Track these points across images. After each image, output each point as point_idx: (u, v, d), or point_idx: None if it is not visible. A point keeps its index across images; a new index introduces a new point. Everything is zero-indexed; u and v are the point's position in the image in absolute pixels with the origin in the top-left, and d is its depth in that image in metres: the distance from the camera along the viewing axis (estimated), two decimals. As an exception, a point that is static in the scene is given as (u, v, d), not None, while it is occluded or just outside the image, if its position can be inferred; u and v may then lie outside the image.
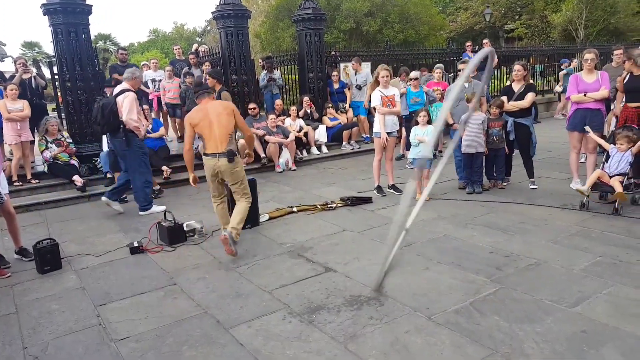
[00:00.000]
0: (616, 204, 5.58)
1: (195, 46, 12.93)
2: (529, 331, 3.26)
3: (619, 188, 5.51)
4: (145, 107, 9.43)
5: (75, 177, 8.12)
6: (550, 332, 3.24)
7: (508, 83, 7.50)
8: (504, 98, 6.98)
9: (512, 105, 6.80)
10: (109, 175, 8.34)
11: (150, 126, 9.14)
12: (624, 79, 6.19)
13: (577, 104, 6.45)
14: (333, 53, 13.69)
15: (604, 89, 6.26)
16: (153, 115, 10.22)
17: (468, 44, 14.33)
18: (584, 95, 6.32)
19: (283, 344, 3.28)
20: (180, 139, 11.46)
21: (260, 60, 12.89)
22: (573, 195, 6.36)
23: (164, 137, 9.64)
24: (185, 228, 5.56)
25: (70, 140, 8.60)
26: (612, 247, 4.63)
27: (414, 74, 8.75)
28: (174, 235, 5.44)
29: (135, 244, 5.32)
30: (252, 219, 5.89)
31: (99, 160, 8.68)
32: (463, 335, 3.26)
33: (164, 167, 8.71)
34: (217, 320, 3.67)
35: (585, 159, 6.92)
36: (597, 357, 2.94)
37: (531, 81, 7.26)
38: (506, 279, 4.08)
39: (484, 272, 4.23)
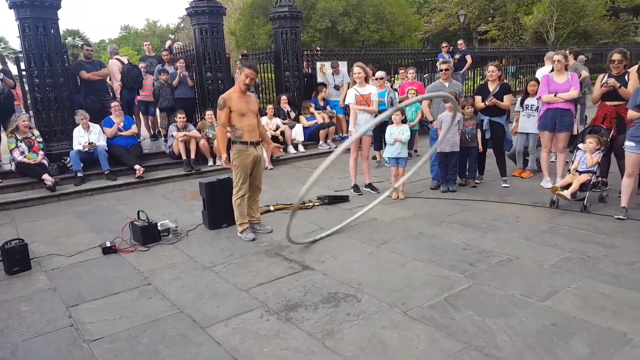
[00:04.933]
0: (584, 201, 5.73)
1: (168, 43, 12.72)
2: (501, 325, 3.33)
3: (575, 184, 5.72)
4: (116, 104, 9.25)
5: (45, 176, 7.92)
6: (521, 325, 3.31)
7: (482, 82, 7.62)
8: (478, 97, 7.11)
9: (491, 103, 6.94)
10: (79, 174, 8.19)
11: (122, 124, 9.01)
12: (602, 79, 6.28)
13: (548, 104, 6.58)
14: (318, 49, 13.71)
15: (573, 90, 6.42)
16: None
17: (444, 44, 14.50)
18: (555, 95, 6.46)
19: (261, 342, 3.28)
20: (154, 137, 11.33)
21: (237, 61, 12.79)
22: (544, 193, 6.53)
23: (135, 135, 9.50)
24: (159, 227, 5.49)
25: (41, 140, 8.39)
26: (581, 243, 4.76)
27: (379, 74, 8.81)
28: (148, 234, 5.36)
29: (108, 244, 5.22)
30: (228, 219, 5.85)
31: (68, 159, 8.49)
32: (438, 329, 3.31)
33: (137, 166, 8.60)
34: (193, 319, 3.64)
35: (556, 158, 7.06)
36: (566, 348, 3.03)
37: (505, 81, 7.39)
38: (479, 275, 4.16)
39: (458, 268, 4.29)
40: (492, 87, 7.08)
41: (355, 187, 7.18)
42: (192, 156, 9.11)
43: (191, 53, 10.96)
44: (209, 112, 9.47)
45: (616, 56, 6.04)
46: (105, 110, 9.47)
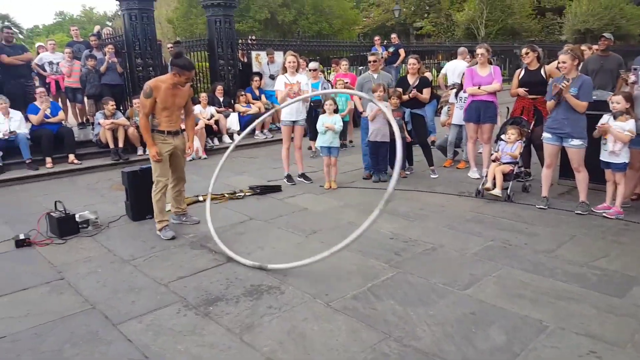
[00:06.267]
0: (508, 190, 5.91)
1: (97, 27, 12.16)
2: (422, 314, 3.35)
3: (498, 175, 5.94)
4: (41, 89, 8.74)
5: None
6: (441, 314, 3.35)
7: (402, 75, 7.73)
8: (399, 90, 7.20)
9: (413, 96, 7.06)
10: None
11: (49, 110, 8.51)
12: (519, 74, 6.54)
13: (472, 96, 6.77)
14: (251, 39, 13.49)
15: (496, 83, 6.64)
16: (51, 99, 9.49)
17: (376, 38, 14.69)
18: (478, 88, 6.65)
19: (175, 339, 3.14)
20: (82, 125, 10.79)
21: (169, 46, 12.39)
22: (470, 183, 6.71)
23: (62, 121, 9.01)
24: (77, 219, 5.19)
25: None
26: (503, 232, 4.89)
27: (312, 64, 8.79)
28: (65, 226, 5.06)
29: (22, 237, 4.90)
30: (152, 209, 5.62)
31: None
32: (359, 320, 3.29)
33: (72, 157, 8.30)
34: (105, 316, 3.45)
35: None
36: (484, 337, 3.07)
37: (427, 74, 7.53)
38: (403, 264, 4.19)
39: (384, 257, 4.31)
40: (412, 79, 7.24)
41: (288, 177, 7.11)
42: (120, 145, 8.74)
43: (120, 39, 10.51)
44: (138, 100, 9.07)
45: (524, 50, 6.50)
46: (28, 96, 8.92)
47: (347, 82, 9.42)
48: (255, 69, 12.10)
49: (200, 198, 6.31)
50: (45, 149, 8.25)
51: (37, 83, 9.99)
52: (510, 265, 4.09)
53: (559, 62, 5.34)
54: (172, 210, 5.43)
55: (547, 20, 32.01)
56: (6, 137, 7.93)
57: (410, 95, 7.07)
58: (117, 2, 10.12)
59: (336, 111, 6.85)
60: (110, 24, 44.63)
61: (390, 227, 5.08)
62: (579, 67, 5.64)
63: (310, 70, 8.58)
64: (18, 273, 4.24)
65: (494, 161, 6.20)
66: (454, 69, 9.72)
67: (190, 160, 8.79)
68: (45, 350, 3.05)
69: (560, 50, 5.53)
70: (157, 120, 4.96)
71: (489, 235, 4.81)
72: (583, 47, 6.72)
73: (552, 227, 5.00)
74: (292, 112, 6.84)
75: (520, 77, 6.53)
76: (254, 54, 12.28)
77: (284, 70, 6.93)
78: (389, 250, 4.48)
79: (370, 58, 7.30)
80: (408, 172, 7.35)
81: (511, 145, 6.12)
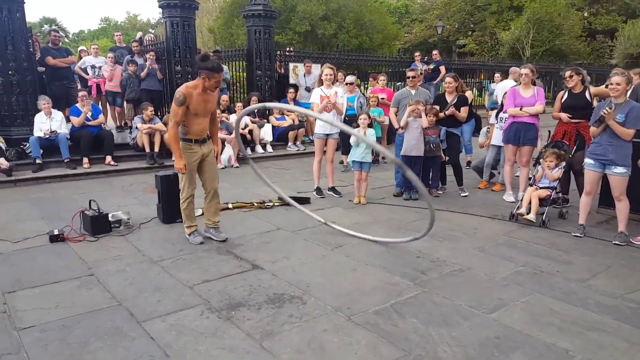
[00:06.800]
0: (544, 216, 5.77)
1: (139, 34, 12.53)
2: (444, 335, 3.29)
3: (534, 200, 5.79)
4: (83, 93, 9.04)
5: (1, 160, 7.68)
6: (465, 336, 3.28)
7: (440, 93, 7.67)
8: (436, 107, 7.12)
9: (450, 113, 7.01)
10: (37, 161, 7.97)
11: (90, 113, 8.80)
12: (562, 97, 6.36)
13: (513, 117, 6.61)
14: (289, 50, 13.66)
15: (539, 105, 6.47)
16: (92, 101, 9.81)
17: (417, 53, 14.63)
18: (520, 109, 6.50)
19: (196, 339, 3.18)
20: (120, 128, 11.11)
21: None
22: (505, 206, 6.56)
23: (102, 125, 9.31)
24: (110, 218, 5.33)
25: None
26: (536, 258, 4.76)
27: (349, 78, 8.81)
28: (98, 225, 5.20)
29: (56, 232, 5.05)
30: (183, 213, 5.75)
31: (28, 144, 8.25)
32: (380, 336, 3.26)
33: (109, 158, 8.62)
34: (130, 313, 3.52)
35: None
36: (507, 362, 2.99)
37: (467, 93, 7.44)
38: (429, 283, 4.12)
39: (409, 276, 4.25)
40: (450, 98, 7.15)
41: (318, 190, 7.13)
42: (156, 149, 8.94)
43: (161, 46, 10.80)
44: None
45: (568, 73, 6.29)
46: (70, 98, 9.27)
47: (382, 99, 9.44)
48: (292, 80, 12.22)
49: (230, 205, 6.38)
50: (84, 149, 8.50)
51: (79, 86, 10.35)
52: (540, 292, 3.97)
53: (611, 83, 5.12)
54: (205, 221, 5.26)
55: (597, 42, 31.19)
56: (47, 136, 8.22)
57: (448, 113, 7.01)
58: (160, 10, 10.43)
59: (370, 125, 6.86)
60: (152, 31, 45.96)
61: (418, 246, 5.01)
62: (628, 93, 5.49)
63: (347, 84, 8.62)
64: (50, 267, 4.38)
65: (531, 185, 6.08)
66: (503, 88, 9.55)
67: (223, 168, 8.95)
68: (71, 341, 3.13)
69: (609, 73, 5.37)
70: (185, 128, 4.79)
71: (521, 260, 4.69)
72: (633, 73, 6.46)
73: (588, 256, 4.84)
74: (326, 125, 6.83)
75: (562, 100, 6.33)
76: (291, 65, 12.41)
77: (320, 82, 6.97)
78: (415, 268, 4.43)
79: (409, 74, 7.25)
80: (441, 192, 7.27)
81: (550, 170, 5.97)
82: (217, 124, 5.56)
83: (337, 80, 7.37)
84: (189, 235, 5.09)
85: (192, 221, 5.11)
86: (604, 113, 4.99)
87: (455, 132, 7.18)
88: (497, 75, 10.71)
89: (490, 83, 11.57)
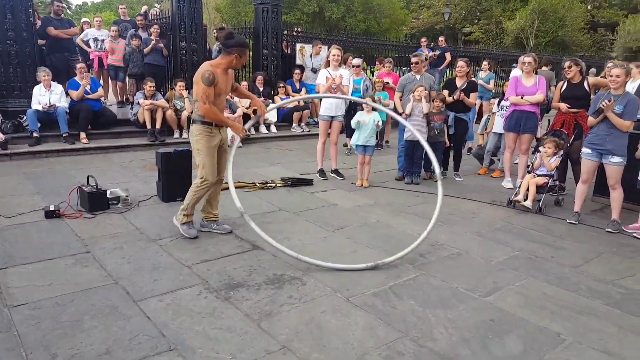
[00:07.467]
0: (540, 203, 5.79)
1: (144, 8, 12.32)
2: (440, 317, 3.29)
3: (531, 188, 5.82)
4: (82, 65, 8.85)
5: (-4, 132, 7.56)
6: (460, 318, 3.28)
7: (450, 77, 7.62)
8: (446, 92, 7.11)
9: (458, 98, 6.98)
10: (34, 135, 7.85)
11: (89, 86, 8.65)
12: (561, 87, 6.36)
13: (515, 105, 6.60)
14: (299, 30, 13.49)
15: (539, 94, 6.44)
16: (92, 74, 9.68)
17: (423, 39, 14.47)
18: (522, 97, 6.47)
19: (193, 319, 3.14)
20: (121, 103, 10.98)
21: (214, 31, 12.49)
22: (503, 192, 6.57)
23: (102, 98, 9.18)
24: (108, 195, 5.26)
25: None
26: (531, 243, 4.80)
27: (355, 61, 8.69)
28: (95, 201, 5.13)
29: (52, 208, 4.97)
30: (183, 192, 5.60)
31: (25, 117, 8.11)
32: (377, 317, 3.24)
33: (82, 134, 8.36)
34: (126, 291, 3.48)
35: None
36: (500, 344, 3.00)
37: (473, 78, 7.42)
38: (427, 266, 4.12)
39: (408, 258, 4.22)
40: (460, 82, 7.13)
41: (321, 172, 7.07)
42: (158, 126, 8.80)
43: (166, 20, 10.63)
44: (180, 83, 9.14)
45: (567, 63, 6.35)
46: (71, 71, 9.11)
47: (387, 83, 9.32)
48: (298, 61, 12.05)
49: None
50: (82, 124, 8.35)
51: (80, 59, 10.17)
52: (534, 277, 4.02)
53: (611, 75, 5.16)
54: (202, 214, 4.83)
55: (598, 35, 31.06)
56: (45, 109, 8.04)
57: (456, 97, 6.97)
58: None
59: (375, 109, 6.76)
60: (158, 5, 45.45)
61: (418, 229, 4.96)
62: (632, 88, 5.49)
63: (353, 66, 8.50)
64: (45, 243, 4.31)
65: (529, 172, 6.05)
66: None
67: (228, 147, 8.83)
68: (64, 320, 3.08)
69: (604, 65, 5.42)
70: None
71: (516, 245, 4.73)
72: (632, 65, 6.46)
73: (581, 242, 4.91)
74: (331, 107, 6.81)
75: (562, 90, 6.36)
76: (298, 46, 12.24)
77: (327, 64, 6.91)
78: (415, 251, 4.36)
79: (413, 60, 7.20)
80: (442, 177, 7.17)
81: (549, 158, 5.94)
82: (241, 88, 5.16)
83: (344, 63, 7.24)
84: (183, 224, 4.60)
85: (192, 210, 4.65)
86: (604, 105, 5.05)
87: (463, 118, 7.16)
88: (485, 63, 10.42)
89: (478, 72, 11.21)
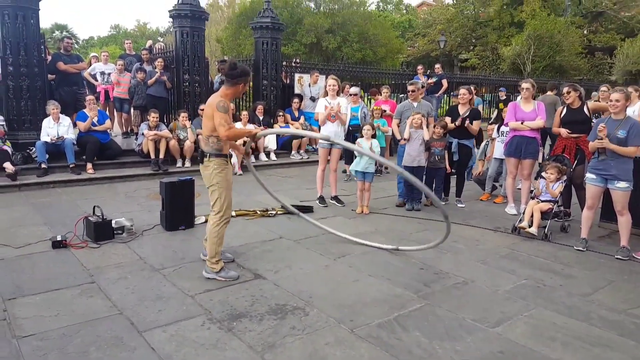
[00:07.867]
0: (546, 229, 5.75)
1: (149, 42, 12.66)
2: (447, 349, 3.25)
3: (535, 214, 5.78)
4: (91, 97, 9.10)
5: (6, 164, 7.67)
6: (468, 350, 3.24)
7: (453, 105, 7.72)
8: (448, 119, 7.17)
9: (460, 123, 7.05)
10: (43, 166, 7.98)
11: (96, 118, 8.83)
12: (561, 112, 6.41)
13: (514, 131, 6.65)
14: (295, 62, 13.73)
15: (539, 119, 6.50)
16: (99, 107, 9.86)
17: (419, 67, 14.73)
18: (521, 123, 6.53)
19: (197, 351, 3.14)
20: (126, 134, 11.16)
21: (216, 63, 12.75)
22: (507, 218, 6.55)
23: (108, 130, 9.36)
24: (113, 225, 5.32)
25: (3, 122, 8.18)
26: (538, 271, 4.74)
27: (353, 89, 8.88)
28: (101, 231, 5.18)
29: (59, 238, 5.04)
30: (187, 221, 5.74)
31: (34, 149, 8.27)
32: (382, 349, 3.22)
33: (88, 165, 8.50)
34: (131, 322, 3.49)
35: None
36: (510, 377, 2.96)
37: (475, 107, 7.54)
38: (433, 296, 4.09)
39: (412, 288, 4.22)
40: (463, 110, 7.21)
41: (321, 199, 7.12)
42: (161, 156, 8.96)
43: (170, 54, 10.87)
44: (183, 114, 9.36)
45: (566, 89, 6.40)
46: (79, 104, 9.34)
47: (385, 110, 9.45)
48: (296, 90, 12.27)
49: (233, 213, 6.34)
50: (89, 155, 8.51)
51: (87, 91, 10.42)
52: (543, 306, 3.95)
53: (610, 100, 5.15)
54: (204, 243, 4.66)
55: (596, 59, 31.37)
56: (54, 141, 8.23)
57: (457, 123, 7.05)
58: (170, 19, 10.50)
59: (374, 136, 6.87)
60: (161, 39, 46.24)
61: (420, 257, 4.99)
62: (634, 112, 5.52)
63: (351, 94, 8.66)
64: (53, 273, 4.35)
65: (532, 198, 6.06)
66: None
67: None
68: (71, 351, 3.09)
69: (598, 90, 5.44)
70: (220, 143, 4.33)
71: (523, 273, 4.67)
72: (631, 89, 6.52)
73: (590, 270, 4.82)
74: (330, 135, 6.88)
75: (562, 115, 6.39)
76: (296, 76, 12.48)
77: (325, 93, 7.07)
78: (419, 280, 4.40)
79: (410, 88, 7.35)
80: (443, 203, 7.25)
81: (552, 184, 5.97)
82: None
83: (341, 91, 7.42)
84: (219, 270, 4.34)
85: (220, 254, 4.41)
86: (599, 145, 5.05)
87: (467, 144, 7.24)
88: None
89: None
